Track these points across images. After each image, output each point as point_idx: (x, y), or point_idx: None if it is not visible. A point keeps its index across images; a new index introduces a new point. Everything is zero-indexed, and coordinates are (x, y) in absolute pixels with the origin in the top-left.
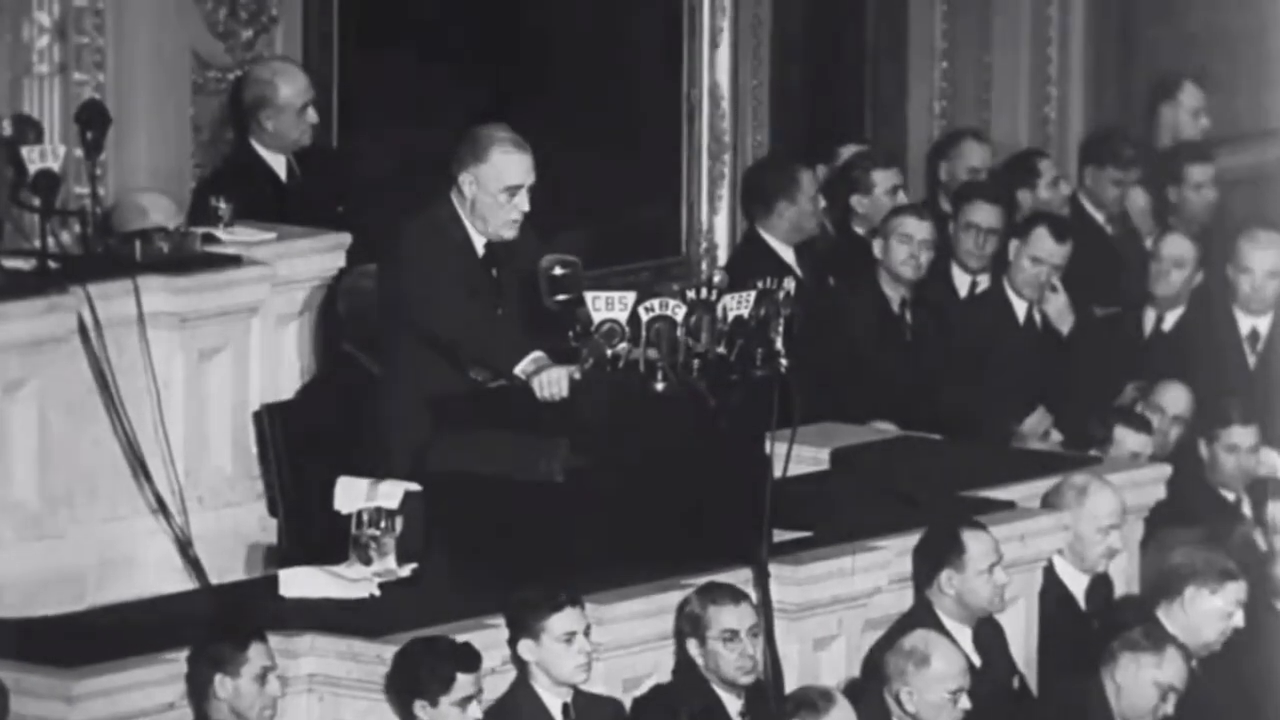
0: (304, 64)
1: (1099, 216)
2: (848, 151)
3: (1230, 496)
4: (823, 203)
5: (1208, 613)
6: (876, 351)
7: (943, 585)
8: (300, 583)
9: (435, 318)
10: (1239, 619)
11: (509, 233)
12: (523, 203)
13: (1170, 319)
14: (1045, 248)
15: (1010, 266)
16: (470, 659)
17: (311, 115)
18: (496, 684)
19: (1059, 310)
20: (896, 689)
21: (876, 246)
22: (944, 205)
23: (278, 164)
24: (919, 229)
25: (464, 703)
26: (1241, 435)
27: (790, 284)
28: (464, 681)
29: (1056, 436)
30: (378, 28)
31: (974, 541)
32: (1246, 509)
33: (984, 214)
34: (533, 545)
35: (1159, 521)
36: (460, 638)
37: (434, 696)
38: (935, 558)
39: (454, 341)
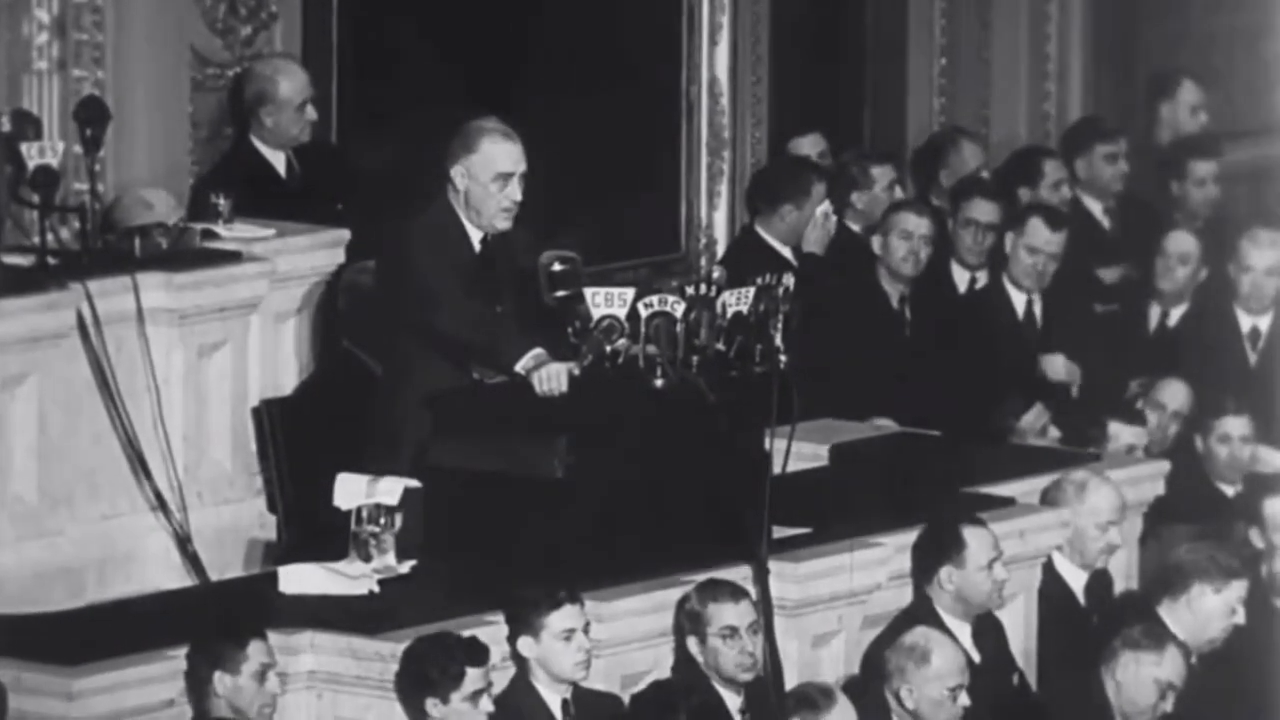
0: (303, 60)
1: (1096, 210)
2: (804, 144)
3: (1228, 491)
4: (831, 222)
5: (1212, 610)
6: (876, 348)
7: (942, 581)
8: (300, 579)
9: (434, 315)
10: (1241, 616)
11: (502, 223)
12: (514, 191)
13: (1175, 315)
14: (1041, 236)
15: (1008, 260)
16: (478, 653)
17: (311, 112)
18: (496, 681)
19: (1062, 369)
20: (896, 686)
21: (875, 243)
22: (935, 202)
23: (277, 160)
24: (918, 225)
25: (475, 697)
26: (1233, 425)
27: (789, 280)
28: (474, 675)
29: (1054, 433)
30: (377, 24)
31: (974, 537)
32: (1244, 505)
33: (983, 210)
34: (532, 542)
35: (1158, 518)
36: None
37: (445, 693)
38: (935, 553)
39: (453, 339)
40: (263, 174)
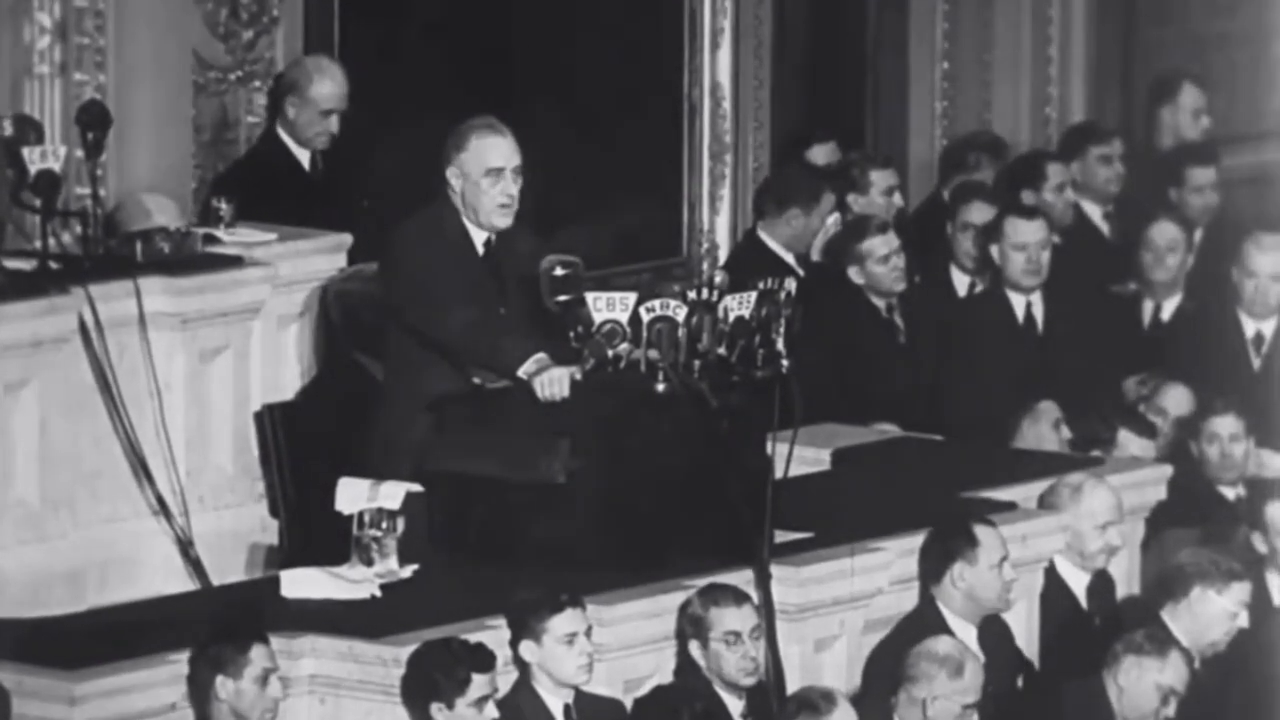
0: None
1: (1095, 215)
2: (817, 154)
3: (1229, 494)
4: (833, 221)
5: (1214, 613)
6: (869, 356)
7: (954, 579)
8: (302, 584)
9: (438, 319)
10: (1244, 619)
11: (500, 220)
12: (509, 186)
13: (1168, 308)
14: (1021, 231)
15: (1002, 269)
16: (484, 659)
17: (333, 124)
18: (500, 686)
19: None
20: (922, 693)
21: (854, 273)
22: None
23: (303, 156)
24: (887, 243)
25: (480, 703)
26: (1220, 424)
27: (791, 284)
28: (479, 682)
29: (1066, 434)
30: (378, 28)
31: (986, 535)
32: (1246, 510)
33: (981, 214)
34: (534, 546)
35: (1160, 522)
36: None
37: (450, 698)
38: (947, 551)
39: (456, 343)
40: (287, 167)
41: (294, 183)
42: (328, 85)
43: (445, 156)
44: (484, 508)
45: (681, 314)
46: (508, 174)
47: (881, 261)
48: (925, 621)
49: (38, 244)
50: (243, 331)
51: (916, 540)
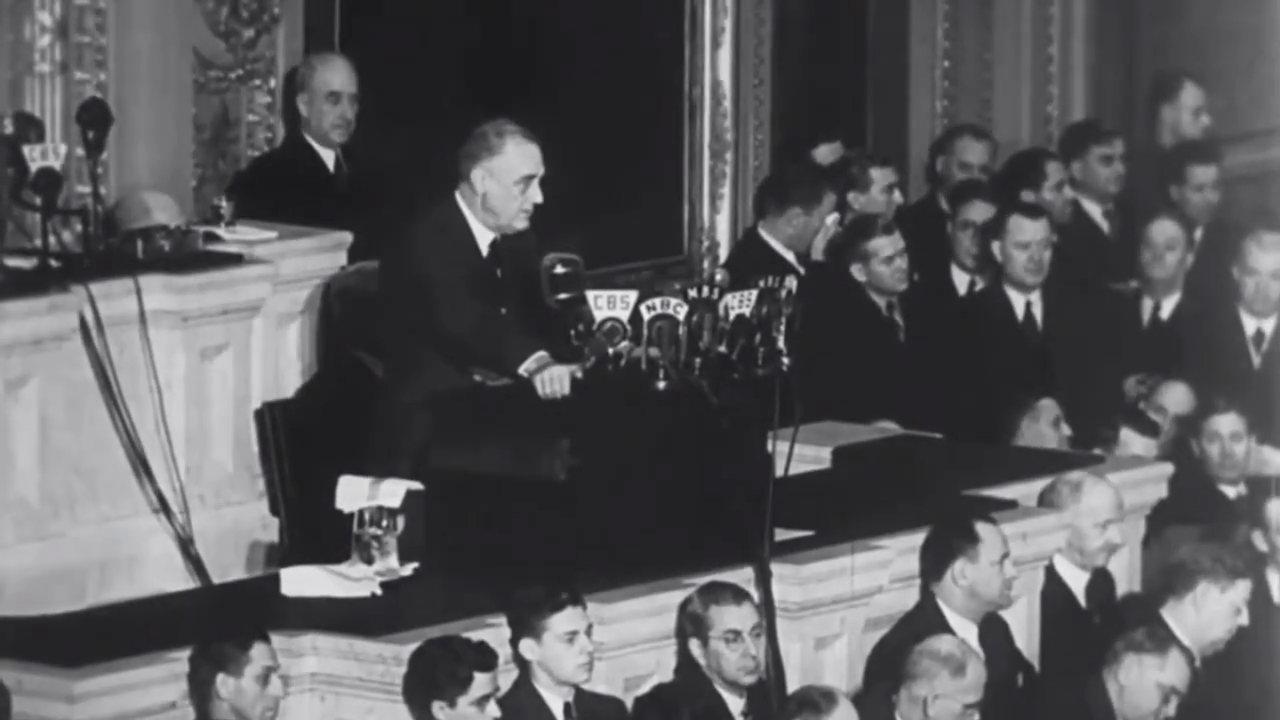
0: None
1: (1095, 213)
2: (822, 153)
3: (1229, 492)
4: (832, 221)
5: (1217, 610)
6: (869, 354)
7: (956, 576)
8: (302, 582)
9: (442, 317)
10: (1245, 617)
11: (520, 224)
12: (535, 194)
13: (1167, 306)
14: (1025, 230)
15: (1003, 267)
16: (486, 657)
17: (347, 111)
18: (501, 684)
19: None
20: (923, 691)
21: (857, 271)
22: (943, 204)
23: (327, 157)
24: (893, 243)
25: (481, 702)
26: (1222, 423)
27: (792, 282)
28: (481, 680)
29: (1066, 431)
30: (379, 27)
31: (987, 532)
32: (1247, 508)
33: (981, 213)
34: (534, 544)
35: (1161, 520)
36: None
37: (452, 697)
38: (948, 548)
39: (457, 340)
40: (311, 168)
41: (319, 184)
42: (331, 72)
43: (470, 156)
44: (484, 505)
45: (682, 312)
46: (535, 182)
47: (885, 261)
48: (926, 619)
49: (38, 242)
50: (243, 329)
51: (917, 538)
